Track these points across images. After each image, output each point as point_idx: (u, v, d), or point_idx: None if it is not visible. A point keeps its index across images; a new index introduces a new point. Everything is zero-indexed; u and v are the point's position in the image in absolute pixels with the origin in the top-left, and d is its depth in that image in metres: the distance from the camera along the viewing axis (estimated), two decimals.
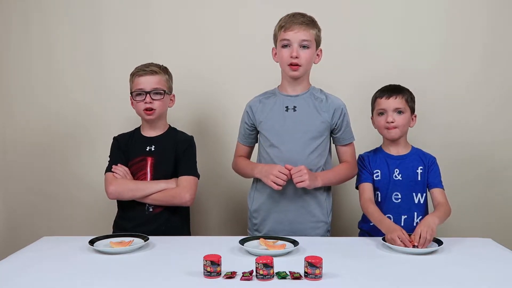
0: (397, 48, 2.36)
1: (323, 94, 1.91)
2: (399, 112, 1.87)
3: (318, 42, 1.86)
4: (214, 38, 2.38)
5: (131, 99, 2.04)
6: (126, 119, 2.25)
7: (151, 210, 1.93)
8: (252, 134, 1.97)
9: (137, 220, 1.93)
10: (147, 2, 2.40)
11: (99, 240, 1.65)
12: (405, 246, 1.58)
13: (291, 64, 1.81)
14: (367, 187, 1.91)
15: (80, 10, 2.41)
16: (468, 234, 1.91)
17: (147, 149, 1.99)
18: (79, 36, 2.40)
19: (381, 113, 1.90)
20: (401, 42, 2.37)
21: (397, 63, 2.35)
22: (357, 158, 1.98)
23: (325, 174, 1.85)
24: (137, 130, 2.06)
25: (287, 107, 1.87)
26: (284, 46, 1.82)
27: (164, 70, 2.03)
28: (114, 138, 2.05)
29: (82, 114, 2.44)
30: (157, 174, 1.96)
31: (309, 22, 1.83)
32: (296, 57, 1.79)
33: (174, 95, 2.06)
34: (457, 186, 2.32)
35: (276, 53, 1.88)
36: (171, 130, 2.05)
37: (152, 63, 2.01)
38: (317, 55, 1.88)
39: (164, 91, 1.99)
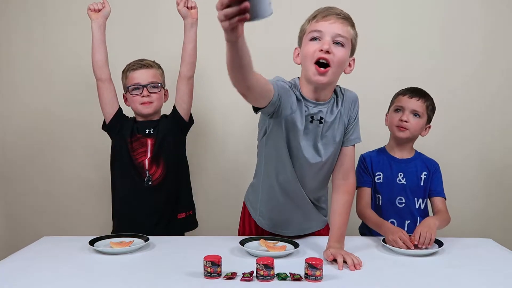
0: (397, 49, 2.36)
1: (340, 93, 1.61)
2: (416, 114, 1.84)
3: (353, 47, 1.51)
4: (213, 37, 2.37)
5: (124, 96, 2.04)
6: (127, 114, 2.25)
7: (150, 183, 1.94)
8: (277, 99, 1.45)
9: (137, 194, 1.94)
10: (150, 3, 2.40)
11: (99, 240, 1.65)
12: (407, 247, 1.58)
13: (318, 64, 1.45)
14: (366, 192, 1.88)
15: (82, 11, 2.40)
16: (468, 234, 1.91)
17: (147, 132, 1.99)
18: (80, 35, 2.39)
19: (398, 109, 1.87)
20: (399, 43, 2.36)
21: (396, 64, 2.35)
22: (358, 158, 1.96)
23: (340, 237, 1.56)
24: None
25: (312, 117, 1.54)
26: (313, 39, 1.47)
27: (157, 64, 2.04)
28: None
29: (83, 114, 2.44)
30: (158, 153, 1.96)
31: (349, 17, 1.50)
32: (327, 52, 1.44)
33: (167, 90, 2.07)
34: (457, 186, 2.32)
35: (299, 53, 1.55)
36: (165, 116, 2.07)
37: (144, 58, 2.02)
38: (349, 64, 1.54)
39: (160, 84, 2.01)
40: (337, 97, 1.60)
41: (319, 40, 1.46)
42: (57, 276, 1.37)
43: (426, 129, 1.89)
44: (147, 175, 1.94)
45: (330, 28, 1.45)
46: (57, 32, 2.43)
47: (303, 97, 1.54)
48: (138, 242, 1.63)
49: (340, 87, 1.63)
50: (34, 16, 2.43)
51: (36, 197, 2.49)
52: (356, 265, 1.43)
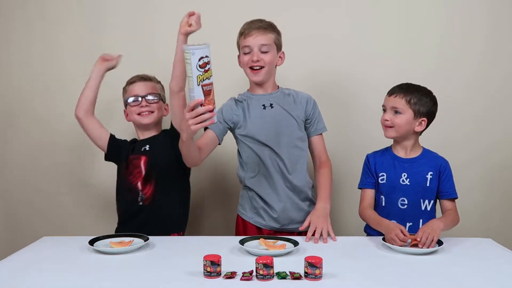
0: (396, 49, 2.36)
1: (291, 91, 1.96)
2: (396, 111, 1.79)
3: (278, 45, 1.90)
4: (214, 41, 2.38)
5: (125, 112, 2.07)
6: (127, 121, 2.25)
7: (142, 203, 1.94)
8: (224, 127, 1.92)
9: (132, 213, 1.96)
10: (149, 5, 2.40)
11: (99, 240, 1.65)
12: (404, 244, 1.57)
13: (251, 68, 1.85)
14: (368, 194, 1.87)
15: (82, 11, 2.41)
16: (468, 234, 1.90)
17: (142, 149, 2.00)
18: (81, 38, 2.40)
19: (384, 109, 1.85)
20: (400, 43, 2.36)
21: (396, 64, 2.34)
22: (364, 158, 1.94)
23: (326, 196, 1.86)
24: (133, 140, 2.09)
25: (263, 105, 1.90)
26: (246, 53, 1.86)
27: (156, 79, 2.07)
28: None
29: None
30: (151, 170, 1.96)
31: (267, 26, 1.87)
32: (257, 61, 1.84)
33: (167, 105, 2.07)
34: (457, 186, 2.30)
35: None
36: (164, 131, 2.07)
37: (144, 74, 2.06)
38: (280, 57, 1.92)
39: (159, 95, 2.02)
40: (289, 93, 1.95)
41: (250, 52, 1.85)
42: (57, 276, 1.37)
43: (421, 123, 1.80)
44: (140, 195, 1.95)
45: (255, 41, 1.84)
46: (56, 33, 2.43)
47: (252, 94, 1.94)
48: (138, 242, 1.64)
49: (293, 91, 1.97)
50: (34, 17, 2.43)
51: (36, 197, 2.49)
52: (324, 239, 1.70)
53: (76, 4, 2.42)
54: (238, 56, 1.93)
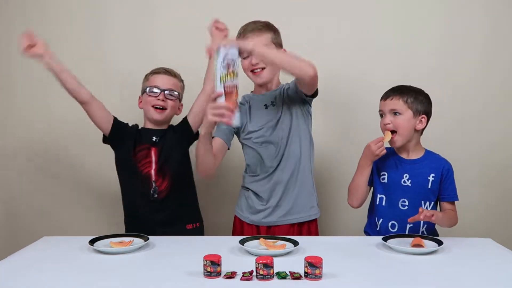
0: (396, 48, 2.37)
1: (287, 84, 1.92)
2: (395, 113, 1.78)
3: (277, 44, 1.85)
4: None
5: (139, 98, 2.04)
6: (128, 120, 2.25)
7: (156, 196, 1.93)
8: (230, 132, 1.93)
9: (144, 207, 1.93)
10: (149, 6, 2.40)
11: (99, 240, 1.65)
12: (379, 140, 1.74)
13: (253, 71, 1.82)
14: None
15: (82, 11, 2.42)
16: (468, 234, 1.91)
17: (154, 139, 1.98)
18: (81, 36, 2.41)
19: (381, 115, 1.85)
20: (400, 43, 2.37)
21: (396, 64, 2.35)
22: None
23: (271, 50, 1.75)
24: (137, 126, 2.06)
25: (265, 105, 1.90)
26: (245, 57, 1.81)
27: (180, 77, 2.04)
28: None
29: (84, 115, 2.43)
30: (164, 164, 1.95)
31: (262, 27, 1.82)
32: (257, 63, 1.80)
33: (182, 105, 2.06)
34: (457, 186, 2.30)
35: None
36: (171, 126, 2.07)
37: (171, 68, 2.03)
38: None
39: (179, 94, 2.00)
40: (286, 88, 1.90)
41: (248, 56, 1.78)
42: (57, 276, 1.37)
43: (421, 121, 1.80)
44: (153, 186, 1.93)
45: None
46: (56, 33, 2.43)
47: (255, 95, 1.94)
48: (138, 241, 1.63)
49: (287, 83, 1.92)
50: (33, 18, 2.44)
51: (36, 197, 2.49)
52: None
53: (76, 4, 2.42)
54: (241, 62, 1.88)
